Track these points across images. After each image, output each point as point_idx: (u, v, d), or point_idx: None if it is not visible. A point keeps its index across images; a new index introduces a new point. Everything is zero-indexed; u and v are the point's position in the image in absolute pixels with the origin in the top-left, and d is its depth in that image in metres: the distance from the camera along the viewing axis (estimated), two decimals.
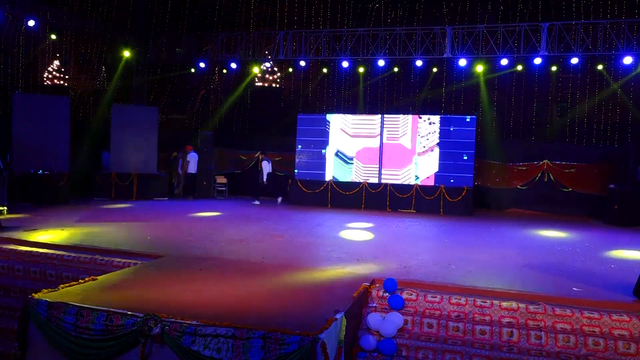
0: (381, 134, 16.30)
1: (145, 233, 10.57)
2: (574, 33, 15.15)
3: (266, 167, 17.12)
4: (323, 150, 16.81)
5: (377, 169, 16.33)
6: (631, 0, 17.08)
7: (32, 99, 15.65)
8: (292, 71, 20.30)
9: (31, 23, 15.40)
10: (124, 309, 5.46)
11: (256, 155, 18.84)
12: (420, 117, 16.14)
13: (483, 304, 6.58)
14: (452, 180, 15.60)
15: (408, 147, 16.09)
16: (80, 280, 6.91)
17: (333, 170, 16.79)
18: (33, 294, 5.97)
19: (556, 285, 7.36)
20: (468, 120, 15.82)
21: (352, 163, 16.60)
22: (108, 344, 5.39)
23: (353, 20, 20.38)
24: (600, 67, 16.74)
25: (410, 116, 16.39)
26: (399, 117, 16.36)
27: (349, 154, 16.62)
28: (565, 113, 19.19)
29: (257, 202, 16.88)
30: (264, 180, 17.02)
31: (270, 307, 5.90)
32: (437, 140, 15.86)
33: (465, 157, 15.56)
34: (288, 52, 17.65)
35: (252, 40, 18.15)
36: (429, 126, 15.95)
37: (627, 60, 14.85)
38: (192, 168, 17.98)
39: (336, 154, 16.77)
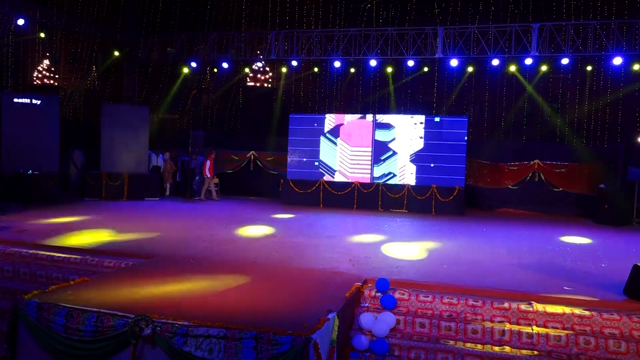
0: (373, 134, 16.30)
1: (136, 233, 10.51)
2: (564, 34, 15.23)
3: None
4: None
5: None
6: (621, 1, 17.20)
7: (22, 98, 15.51)
8: (284, 71, 20.27)
9: (21, 22, 15.24)
10: (114, 309, 5.42)
11: (248, 155, 18.80)
12: (412, 117, 16.18)
13: (475, 303, 6.60)
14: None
15: (397, 146, 16.12)
16: (70, 281, 6.86)
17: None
18: (22, 295, 5.92)
19: (547, 284, 7.40)
20: (458, 120, 15.89)
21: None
22: (99, 345, 5.35)
23: (345, 20, 20.36)
24: (590, 67, 16.84)
25: (401, 115, 16.43)
26: (390, 117, 16.39)
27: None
28: (556, 113, 19.29)
29: None
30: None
31: (263, 308, 5.88)
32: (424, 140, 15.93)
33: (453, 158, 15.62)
34: (280, 52, 17.62)
35: (244, 39, 18.09)
36: (418, 125, 16.00)
37: (617, 60, 14.96)
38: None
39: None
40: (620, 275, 7.46)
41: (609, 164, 14.61)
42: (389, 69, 18.20)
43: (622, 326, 6.17)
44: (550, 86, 18.96)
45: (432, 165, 15.77)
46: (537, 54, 15.44)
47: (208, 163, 16.82)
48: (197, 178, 17.45)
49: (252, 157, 18.76)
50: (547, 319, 6.33)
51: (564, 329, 6.23)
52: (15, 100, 15.27)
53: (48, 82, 23.67)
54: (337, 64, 17.51)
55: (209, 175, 16.87)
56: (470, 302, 6.62)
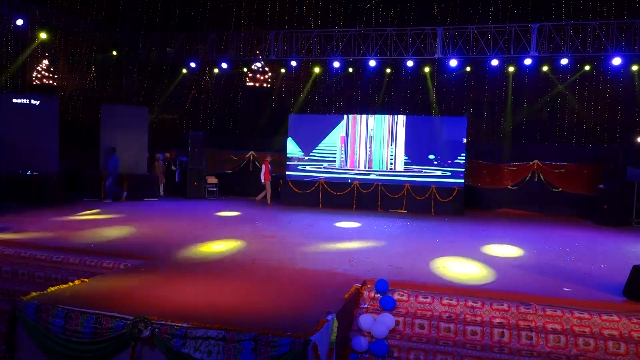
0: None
1: (136, 234, 10.49)
2: (563, 34, 15.23)
3: None
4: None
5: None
6: (620, 1, 17.20)
7: (20, 99, 15.48)
8: (284, 71, 20.26)
9: (19, 22, 15.20)
10: (113, 311, 5.41)
11: (247, 155, 18.78)
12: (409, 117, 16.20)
13: (474, 304, 6.59)
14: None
15: (395, 146, 16.12)
16: (69, 282, 6.84)
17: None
18: (21, 297, 5.91)
19: (547, 286, 7.39)
20: (458, 120, 15.91)
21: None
22: (97, 347, 5.34)
23: (344, 20, 20.35)
24: (589, 67, 16.85)
25: (400, 116, 16.44)
26: (386, 118, 16.39)
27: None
28: (555, 113, 19.29)
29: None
30: None
31: (262, 309, 5.87)
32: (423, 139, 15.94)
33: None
34: (279, 52, 17.60)
35: (243, 39, 18.07)
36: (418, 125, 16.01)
37: (616, 61, 14.97)
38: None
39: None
40: (620, 276, 7.45)
41: (609, 164, 14.60)
42: (388, 69, 18.18)
43: (621, 327, 6.17)
44: (550, 86, 18.96)
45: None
46: (537, 54, 15.43)
47: (264, 167, 16.59)
48: (109, 179, 16.07)
49: (252, 157, 18.76)
50: (547, 320, 6.32)
51: (563, 330, 6.23)
52: (14, 100, 15.23)
53: (47, 82, 23.66)
54: (336, 64, 17.50)
55: (264, 180, 16.62)
56: (470, 303, 6.62)
